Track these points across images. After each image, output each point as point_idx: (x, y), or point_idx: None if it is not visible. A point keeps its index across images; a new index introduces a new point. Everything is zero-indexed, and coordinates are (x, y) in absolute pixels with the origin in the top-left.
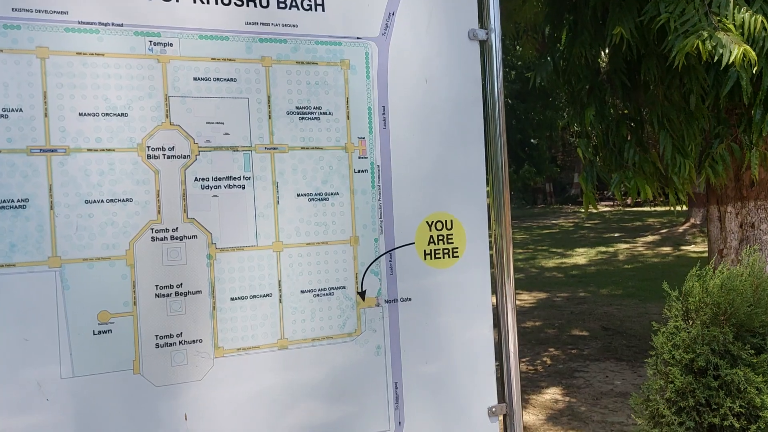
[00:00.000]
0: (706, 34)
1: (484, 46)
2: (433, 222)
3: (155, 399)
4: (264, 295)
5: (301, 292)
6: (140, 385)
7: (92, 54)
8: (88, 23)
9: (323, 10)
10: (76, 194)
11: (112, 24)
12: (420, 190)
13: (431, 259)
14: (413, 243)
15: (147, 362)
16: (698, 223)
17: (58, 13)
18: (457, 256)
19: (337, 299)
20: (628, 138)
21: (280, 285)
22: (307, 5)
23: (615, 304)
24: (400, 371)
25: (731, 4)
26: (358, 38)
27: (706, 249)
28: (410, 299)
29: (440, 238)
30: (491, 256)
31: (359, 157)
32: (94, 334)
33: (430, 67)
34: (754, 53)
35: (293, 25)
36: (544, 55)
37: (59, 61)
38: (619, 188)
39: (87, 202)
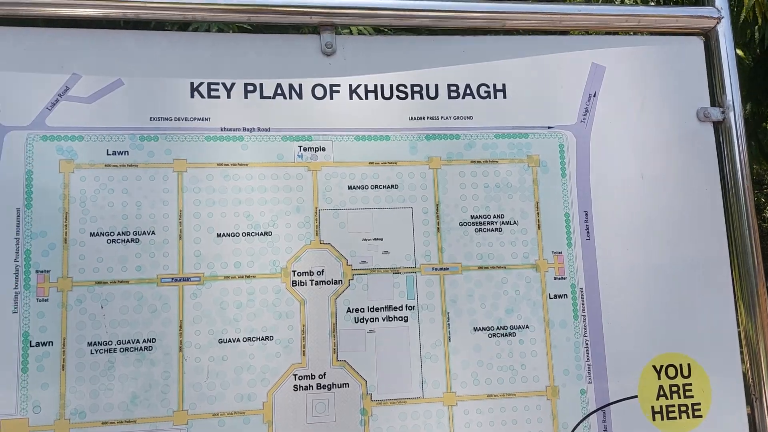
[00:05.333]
0: None
1: (720, 128)
2: (662, 367)
3: None
4: None
5: None
6: None
7: (234, 164)
8: (231, 129)
9: (504, 97)
10: (209, 332)
11: (258, 129)
12: (642, 322)
13: (663, 419)
14: (635, 396)
15: None
16: None
17: (199, 120)
18: (700, 416)
19: None
20: None
21: None
22: (485, 92)
23: None
24: None
25: None
26: (549, 128)
27: None
28: None
29: (674, 389)
30: (744, 374)
31: (555, 278)
32: None
33: (647, 160)
34: None
35: (467, 117)
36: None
37: (198, 175)
38: None
39: (221, 341)
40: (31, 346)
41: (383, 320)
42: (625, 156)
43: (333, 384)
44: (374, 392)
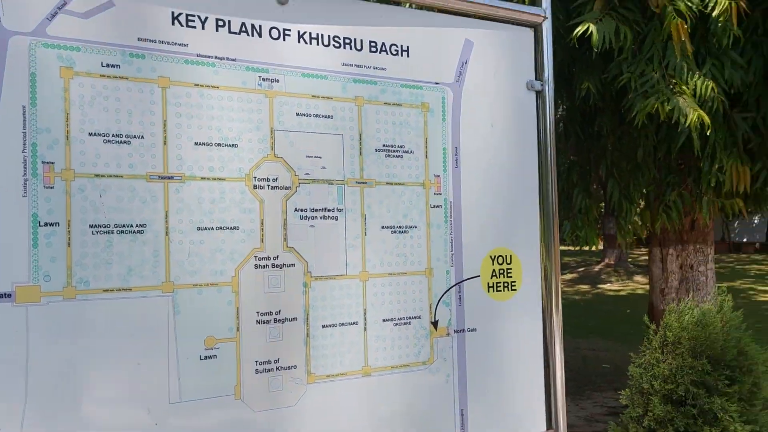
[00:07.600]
0: (664, 96)
1: (539, 96)
2: (495, 256)
3: (253, 425)
4: (351, 323)
5: (383, 320)
6: (241, 411)
7: (208, 86)
8: (205, 56)
9: (408, 56)
10: (190, 221)
11: (227, 59)
12: (485, 225)
13: (493, 291)
14: (478, 276)
15: (247, 388)
16: (612, 263)
17: (179, 45)
18: (515, 290)
19: (414, 328)
20: (577, 184)
21: (365, 313)
22: (395, 50)
23: None
24: (466, 399)
25: (685, 69)
26: (436, 83)
27: (622, 287)
28: (475, 329)
29: (501, 272)
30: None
31: (435, 193)
32: (200, 359)
33: (496, 113)
34: (708, 118)
35: (383, 68)
36: None
37: (178, 92)
38: (571, 236)
39: (199, 228)
40: (39, 225)
41: (321, 218)
42: (483, 108)
43: (284, 264)
44: (313, 270)
